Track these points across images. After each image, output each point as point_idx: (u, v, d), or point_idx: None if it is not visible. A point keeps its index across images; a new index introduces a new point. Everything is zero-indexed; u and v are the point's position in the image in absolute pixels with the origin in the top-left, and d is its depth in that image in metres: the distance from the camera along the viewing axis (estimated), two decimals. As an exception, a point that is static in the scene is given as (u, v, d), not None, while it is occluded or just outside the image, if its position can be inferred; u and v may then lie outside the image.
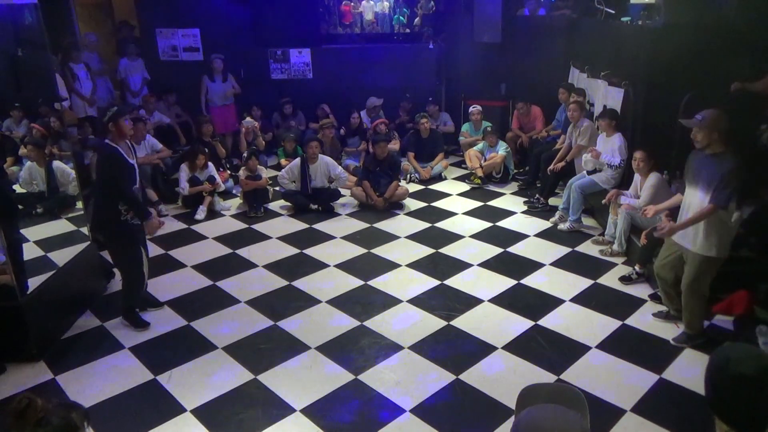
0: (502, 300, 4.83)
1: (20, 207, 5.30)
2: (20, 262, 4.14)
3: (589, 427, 1.64)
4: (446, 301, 4.82)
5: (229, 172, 7.88)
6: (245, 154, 7.27)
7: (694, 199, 3.86)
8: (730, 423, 1.58)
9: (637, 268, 5.05)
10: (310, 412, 3.55)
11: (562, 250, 5.71)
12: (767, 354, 1.56)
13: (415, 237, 6.15)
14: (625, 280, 5.04)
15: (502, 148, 7.75)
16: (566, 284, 5.06)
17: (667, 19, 5.39)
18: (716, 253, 3.85)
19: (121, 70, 8.56)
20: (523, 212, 6.78)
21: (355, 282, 5.18)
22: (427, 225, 6.48)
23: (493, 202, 7.15)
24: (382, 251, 5.80)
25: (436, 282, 5.15)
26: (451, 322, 4.50)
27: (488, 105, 8.61)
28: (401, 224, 6.52)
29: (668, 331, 4.30)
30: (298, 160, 7.06)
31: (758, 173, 5.04)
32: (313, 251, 5.84)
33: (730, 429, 1.58)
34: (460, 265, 5.46)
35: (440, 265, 5.47)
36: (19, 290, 4.01)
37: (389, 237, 6.17)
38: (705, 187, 3.75)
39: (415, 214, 6.85)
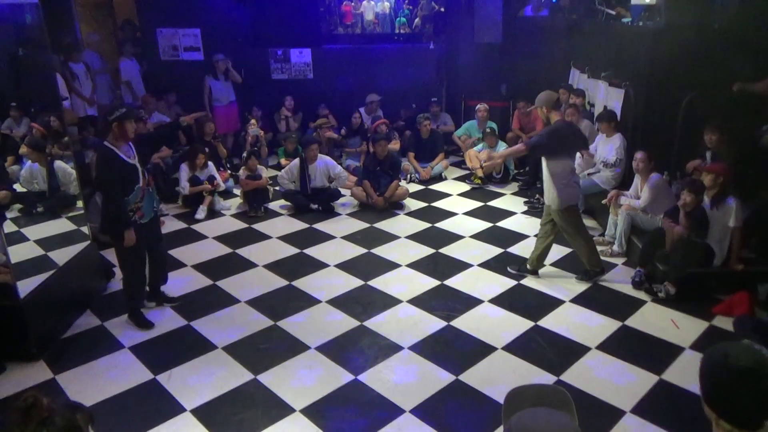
0: (501, 300, 4.82)
1: (20, 206, 5.30)
2: None
3: (578, 428, 1.63)
4: (446, 302, 4.82)
5: (229, 171, 7.89)
6: (245, 154, 7.28)
7: None
8: (729, 419, 1.57)
9: (640, 269, 5.03)
10: (310, 412, 3.55)
11: (562, 251, 5.70)
12: (762, 349, 1.56)
13: (416, 237, 6.15)
14: (637, 285, 4.94)
15: (502, 149, 7.74)
16: (566, 285, 5.06)
17: (668, 20, 5.39)
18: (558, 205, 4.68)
19: (126, 70, 8.52)
20: (524, 212, 6.79)
21: (355, 282, 5.18)
22: (427, 225, 6.48)
23: (494, 203, 7.15)
24: (382, 251, 5.80)
25: (436, 282, 5.15)
26: (451, 323, 4.50)
27: (488, 105, 8.61)
28: (401, 224, 6.52)
29: (668, 332, 4.30)
30: (297, 160, 7.04)
31: (758, 173, 5.05)
32: (313, 251, 5.85)
33: (730, 428, 1.57)
34: (460, 266, 5.46)
35: (440, 266, 5.47)
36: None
37: (389, 237, 6.17)
38: None
39: (416, 214, 6.85)
